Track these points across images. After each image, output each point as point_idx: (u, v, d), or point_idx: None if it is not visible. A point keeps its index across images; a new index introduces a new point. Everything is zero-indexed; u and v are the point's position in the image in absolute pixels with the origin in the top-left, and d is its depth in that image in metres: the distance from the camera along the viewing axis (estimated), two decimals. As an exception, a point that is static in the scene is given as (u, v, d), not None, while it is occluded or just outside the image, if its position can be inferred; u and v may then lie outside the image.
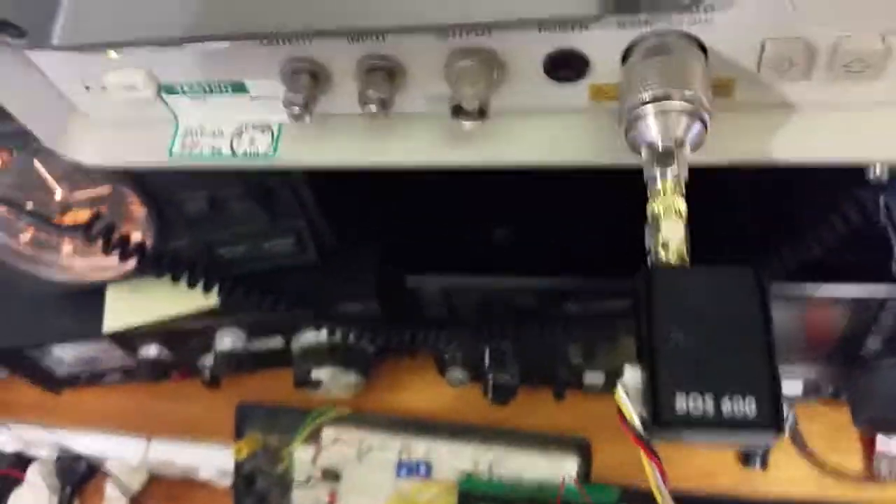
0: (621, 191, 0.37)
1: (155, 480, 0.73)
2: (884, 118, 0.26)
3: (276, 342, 0.61)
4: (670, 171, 0.24)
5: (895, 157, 0.27)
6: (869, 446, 0.60)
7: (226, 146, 0.30)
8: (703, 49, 0.26)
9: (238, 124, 0.30)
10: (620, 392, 0.30)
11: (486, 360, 0.56)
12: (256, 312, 0.57)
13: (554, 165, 0.28)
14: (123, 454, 0.68)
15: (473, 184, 0.53)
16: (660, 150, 0.24)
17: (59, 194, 0.51)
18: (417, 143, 0.28)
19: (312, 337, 0.59)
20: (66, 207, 0.52)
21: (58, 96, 0.29)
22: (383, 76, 0.26)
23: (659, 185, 0.24)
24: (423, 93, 0.28)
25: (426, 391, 0.65)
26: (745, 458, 0.61)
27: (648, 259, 0.27)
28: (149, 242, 0.52)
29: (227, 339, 0.59)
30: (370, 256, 0.57)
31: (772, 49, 0.25)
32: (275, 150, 0.30)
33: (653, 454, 0.31)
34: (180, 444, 0.67)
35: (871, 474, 0.60)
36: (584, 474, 0.61)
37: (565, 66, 0.26)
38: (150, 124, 0.30)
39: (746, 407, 0.28)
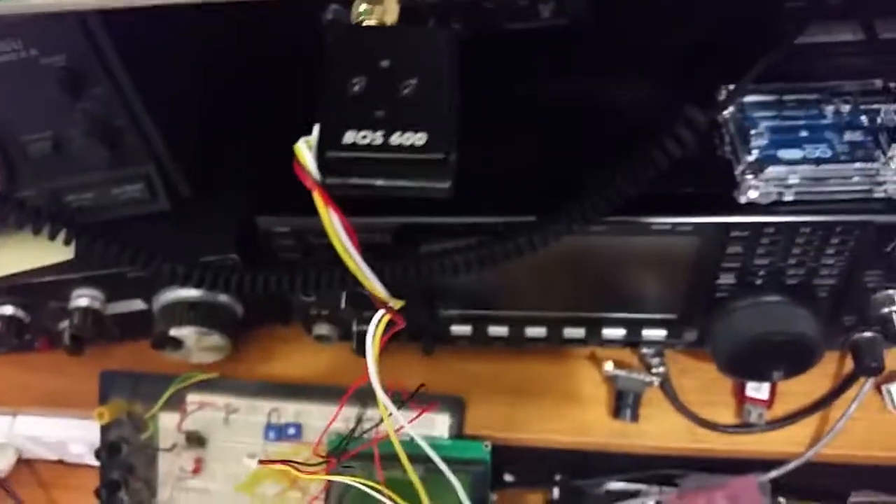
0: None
1: (24, 465, 0.70)
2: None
3: (136, 304, 0.59)
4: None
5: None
6: (741, 396, 0.60)
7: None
8: None
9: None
10: (301, 143, 0.30)
11: (343, 305, 0.55)
12: (109, 267, 0.56)
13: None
14: (-12, 431, 0.65)
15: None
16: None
17: None
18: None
19: (172, 295, 0.58)
20: None
21: None
22: None
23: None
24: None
25: (298, 359, 0.64)
26: (616, 410, 0.60)
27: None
28: (-6, 189, 0.51)
29: (83, 298, 0.57)
30: (229, 205, 0.56)
31: None
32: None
33: (329, 199, 0.31)
34: (48, 418, 0.65)
35: (743, 424, 0.60)
36: (457, 431, 0.60)
37: None
38: None
39: (416, 139, 0.28)
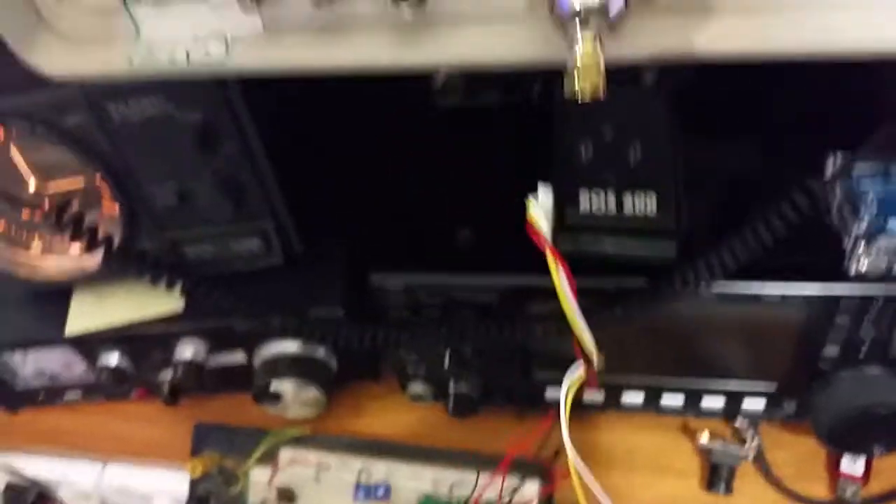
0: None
1: (108, 517, 0.70)
2: (802, 18, 0.28)
3: (237, 357, 0.61)
4: (591, 29, 0.26)
5: (808, 49, 0.29)
6: (835, 472, 0.59)
7: (182, 55, 0.31)
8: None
9: (195, 34, 0.31)
10: (532, 201, 0.32)
11: (446, 364, 0.55)
12: (218, 319, 0.57)
13: (492, 64, 0.30)
14: (77, 478, 0.66)
15: (438, 184, 0.55)
16: (581, 11, 0.26)
17: (32, 185, 0.52)
18: (364, 45, 0.30)
19: (274, 349, 0.59)
20: (38, 200, 0.53)
21: (29, 5, 0.31)
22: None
23: (580, 37, 0.26)
24: (371, -1, 0.30)
25: (388, 416, 0.65)
26: (710, 483, 0.60)
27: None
28: (117, 239, 0.53)
29: (188, 350, 0.59)
30: (336, 261, 0.57)
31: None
32: (228, 56, 0.31)
33: (559, 256, 0.32)
34: (136, 468, 0.66)
35: (837, 501, 0.59)
36: (546, 498, 0.59)
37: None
38: (113, 37, 0.32)
39: (647, 202, 0.29)
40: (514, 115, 0.57)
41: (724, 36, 0.28)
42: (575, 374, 0.41)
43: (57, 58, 0.32)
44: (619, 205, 0.31)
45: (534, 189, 0.44)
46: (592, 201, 0.32)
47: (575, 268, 0.46)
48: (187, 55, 0.31)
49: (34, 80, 0.35)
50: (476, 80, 0.57)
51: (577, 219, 0.32)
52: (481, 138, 0.57)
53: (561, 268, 0.34)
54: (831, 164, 0.50)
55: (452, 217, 0.53)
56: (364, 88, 0.58)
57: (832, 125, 0.49)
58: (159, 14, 0.31)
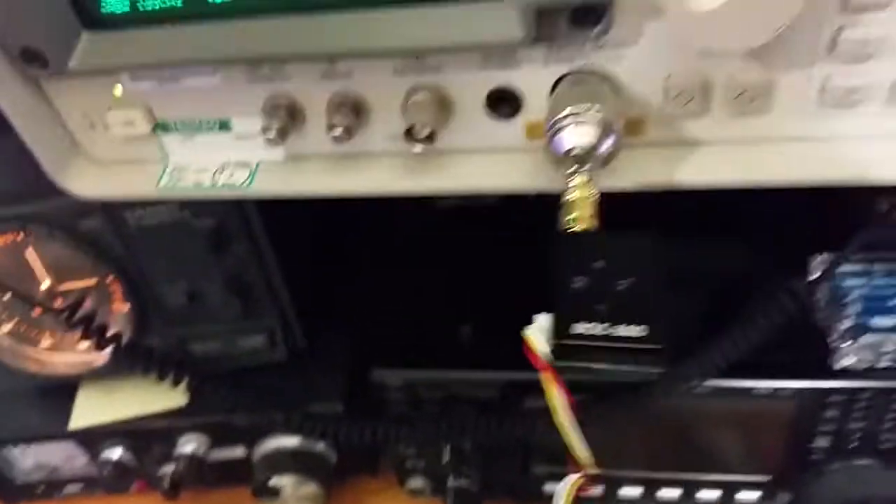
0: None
1: None
2: (776, 151, 0.31)
3: (237, 452, 0.61)
4: (586, 169, 0.28)
5: (783, 180, 0.31)
6: (831, 563, 0.60)
7: (208, 179, 0.34)
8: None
9: (221, 162, 0.34)
10: (531, 329, 0.34)
11: (446, 459, 0.56)
12: (220, 414, 0.58)
13: (494, 191, 0.32)
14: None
15: (439, 281, 0.57)
16: (576, 152, 0.28)
17: (45, 284, 0.54)
18: (378, 174, 0.32)
19: (274, 444, 0.60)
20: (51, 298, 0.55)
21: (64, 132, 0.33)
22: (349, 109, 0.31)
23: (576, 179, 0.28)
24: (385, 132, 0.32)
25: (385, 512, 0.65)
26: (709, 575, 0.60)
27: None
28: (126, 336, 0.55)
29: (190, 444, 0.60)
30: (337, 356, 0.59)
31: (673, 83, 0.30)
32: (251, 182, 0.33)
33: (559, 379, 0.34)
34: (134, 564, 0.65)
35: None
36: None
37: (503, 102, 0.31)
38: (143, 163, 0.34)
39: (636, 331, 0.32)
40: (512, 213, 0.59)
41: (710, 166, 0.31)
42: (569, 484, 0.43)
43: (88, 181, 0.34)
44: (609, 327, 0.34)
45: (532, 288, 0.47)
46: (584, 325, 0.35)
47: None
48: (212, 181, 0.33)
49: (53, 186, 0.36)
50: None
51: (569, 339, 0.34)
52: (481, 236, 0.59)
53: (558, 388, 0.36)
54: (816, 265, 0.52)
55: (453, 314, 0.55)
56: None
57: (816, 227, 0.52)
58: (187, 143, 0.33)
